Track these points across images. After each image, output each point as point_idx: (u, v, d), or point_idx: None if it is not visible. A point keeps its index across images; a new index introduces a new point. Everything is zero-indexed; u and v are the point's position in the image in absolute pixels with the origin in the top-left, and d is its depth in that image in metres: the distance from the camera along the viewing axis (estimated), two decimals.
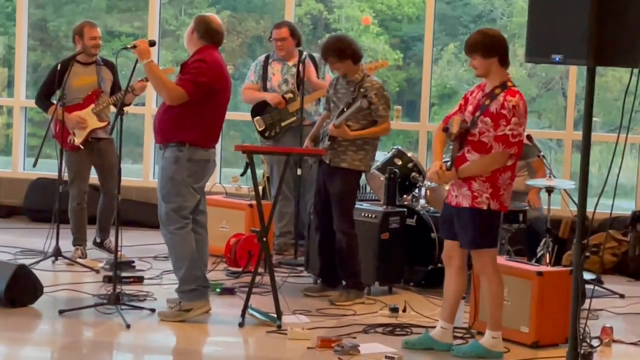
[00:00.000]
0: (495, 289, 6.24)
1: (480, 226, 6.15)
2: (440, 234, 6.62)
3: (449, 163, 6.21)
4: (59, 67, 8.36)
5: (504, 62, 6.18)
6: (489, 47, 6.13)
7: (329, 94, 7.73)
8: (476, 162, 6.08)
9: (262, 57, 9.02)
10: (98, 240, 8.64)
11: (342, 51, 7.46)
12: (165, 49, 10.09)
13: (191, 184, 6.81)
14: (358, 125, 7.46)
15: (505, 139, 6.04)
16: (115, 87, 8.31)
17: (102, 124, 8.32)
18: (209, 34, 6.89)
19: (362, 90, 7.44)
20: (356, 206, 7.73)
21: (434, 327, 6.46)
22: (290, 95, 8.67)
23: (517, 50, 12.65)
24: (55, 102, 8.30)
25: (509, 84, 6.14)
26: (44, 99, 8.41)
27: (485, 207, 6.10)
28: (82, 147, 8.36)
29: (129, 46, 7.09)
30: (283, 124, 8.69)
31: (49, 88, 8.37)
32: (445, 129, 6.21)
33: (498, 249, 6.39)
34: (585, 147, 4.39)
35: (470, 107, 6.20)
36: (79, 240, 8.51)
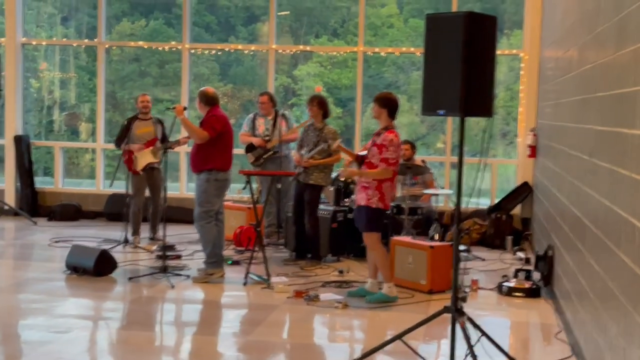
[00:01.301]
0: (380, 256, 6.20)
1: (370, 218, 6.14)
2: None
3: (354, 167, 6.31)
4: (125, 122, 8.35)
5: (392, 114, 6.19)
6: (384, 101, 6.17)
7: (302, 135, 7.72)
8: (373, 171, 6.09)
9: (251, 115, 8.88)
10: (151, 236, 8.52)
11: (322, 104, 7.52)
12: (192, 109, 10.02)
13: (216, 195, 6.80)
14: (320, 156, 7.46)
15: (386, 160, 6.07)
16: (164, 136, 8.25)
17: (156, 160, 8.28)
18: (208, 100, 6.89)
19: (323, 135, 7.46)
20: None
21: (366, 282, 6.49)
22: (268, 138, 8.61)
23: (414, 106, 12.71)
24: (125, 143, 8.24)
25: (390, 127, 6.16)
26: (119, 142, 8.30)
27: (374, 206, 6.10)
28: (141, 172, 8.31)
29: (170, 107, 7.10)
30: (265, 156, 8.58)
31: (121, 135, 8.28)
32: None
33: (381, 232, 6.25)
34: (459, 166, 4.40)
35: (369, 143, 6.26)
36: (136, 232, 8.37)
